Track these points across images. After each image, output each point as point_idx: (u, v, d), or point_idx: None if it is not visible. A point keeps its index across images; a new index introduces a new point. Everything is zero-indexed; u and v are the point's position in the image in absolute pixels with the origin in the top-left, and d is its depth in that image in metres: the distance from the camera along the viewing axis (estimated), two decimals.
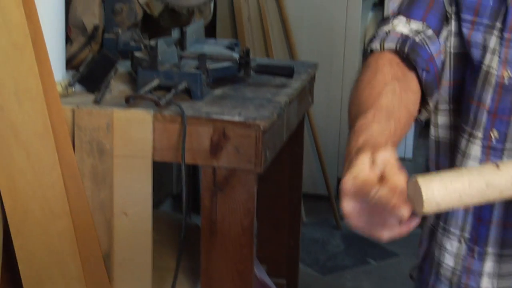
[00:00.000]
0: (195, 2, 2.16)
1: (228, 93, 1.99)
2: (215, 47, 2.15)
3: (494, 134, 1.04)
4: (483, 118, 1.04)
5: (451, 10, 1.07)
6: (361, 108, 0.97)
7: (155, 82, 1.90)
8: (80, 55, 2.16)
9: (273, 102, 1.92)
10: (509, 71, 1.02)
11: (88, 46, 2.17)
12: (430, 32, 1.07)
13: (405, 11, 1.10)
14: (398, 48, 1.06)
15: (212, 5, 2.43)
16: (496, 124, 1.04)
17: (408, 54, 1.05)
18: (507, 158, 1.02)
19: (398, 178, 0.81)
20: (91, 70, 1.95)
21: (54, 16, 1.95)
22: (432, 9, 1.07)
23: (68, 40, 2.17)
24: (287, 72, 2.07)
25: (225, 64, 2.03)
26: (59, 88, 1.89)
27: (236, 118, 1.79)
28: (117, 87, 2.01)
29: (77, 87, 1.95)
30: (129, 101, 1.82)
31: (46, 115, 1.72)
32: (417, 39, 1.06)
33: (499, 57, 1.02)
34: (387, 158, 0.82)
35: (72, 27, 2.17)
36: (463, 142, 1.06)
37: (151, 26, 2.44)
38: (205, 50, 2.09)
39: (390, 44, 1.06)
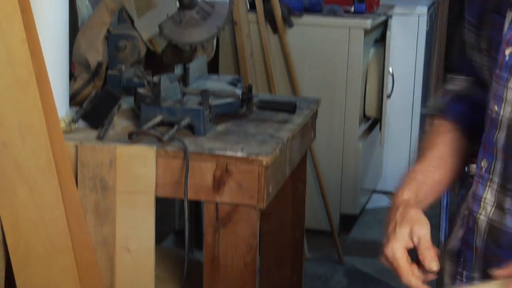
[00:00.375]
0: (198, 39, 2.19)
1: (230, 128, 2.01)
2: (217, 83, 2.17)
3: (483, 163, 1.10)
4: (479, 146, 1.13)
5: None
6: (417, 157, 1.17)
7: (158, 118, 1.92)
8: (84, 91, 2.18)
9: (276, 138, 1.94)
10: (496, 106, 1.08)
11: (91, 83, 2.19)
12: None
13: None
14: (437, 109, 1.25)
15: (214, 41, 2.46)
16: (486, 154, 1.10)
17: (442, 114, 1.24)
18: (490, 189, 1.09)
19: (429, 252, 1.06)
20: (94, 106, 1.97)
21: (58, 53, 1.97)
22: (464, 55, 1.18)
23: (72, 76, 2.19)
24: (290, 108, 2.09)
25: (228, 100, 2.05)
26: (63, 124, 1.91)
27: (239, 154, 1.80)
28: (120, 123, 2.02)
29: (81, 123, 1.97)
30: (132, 137, 1.83)
31: (50, 151, 1.73)
32: (461, 94, 1.23)
33: (491, 91, 1.09)
34: (423, 234, 1.06)
35: (76, 63, 2.20)
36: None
37: (154, 62, 2.47)
38: (208, 86, 2.11)
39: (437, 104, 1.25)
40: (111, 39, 2.17)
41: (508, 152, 1.06)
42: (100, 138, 1.89)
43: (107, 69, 2.19)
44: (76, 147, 1.83)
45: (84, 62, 2.17)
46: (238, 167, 1.79)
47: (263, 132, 1.98)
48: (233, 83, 2.19)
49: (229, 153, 1.81)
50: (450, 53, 1.21)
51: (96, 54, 2.16)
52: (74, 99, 2.16)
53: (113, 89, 1.99)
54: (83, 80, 2.19)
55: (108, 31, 2.19)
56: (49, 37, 1.91)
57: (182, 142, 1.83)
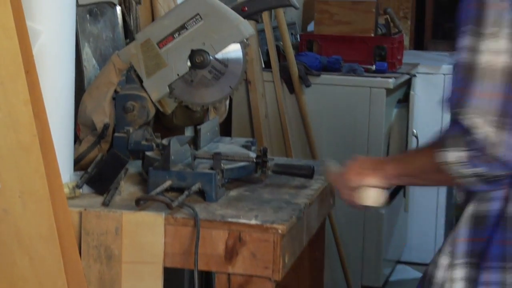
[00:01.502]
0: (210, 100, 2.22)
1: (244, 194, 2.02)
2: (230, 146, 2.19)
3: None
4: None
5: None
6: None
7: (167, 183, 1.94)
8: (89, 155, 2.21)
9: (292, 204, 1.94)
10: None
11: (97, 146, 2.21)
12: None
13: None
14: None
15: (227, 102, 2.49)
16: None
17: None
18: None
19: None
20: (100, 171, 1.99)
21: (63, 114, 2.01)
22: None
23: (76, 139, 2.22)
24: (307, 173, 2.10)
25: (241, 164, 2.06)
26: (66, 190, 1.93)
27: (253, 222, 1.81)
28: (127, 188, 2.04)
29: (85, 189, 1.99)
30: (139, 204, 1.84)
31: (52, 218, 1.74)
32: None
33: None
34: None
35: (81, 125, 2.23)
36: None
37: (164, 124, 2.50)
38: (220, 149, 2.13)
39: None
40: (118, 100, 2.20)
41: None
42: (105, 204, 1.90)
43: (114, 131, 2.22)
44: (80, 214, 1.84)
45: (90, 124, 2.20)
46: (252, 235, 1.79)
47: (278, 198, 1.98)
48: (247, 146, 2.21)
49: (242, 220, 1.81)
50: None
51: (102, 115, 2.19)
52: (78, 163, 2.18)
53: (120, 153, 2.01)
54: (88, 143, 2.21)
55: (115, 91, 2.22)
56: (54, 98, 1.95)
57: (192, 209, 1.84)
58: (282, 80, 3.56)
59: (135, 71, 2.21)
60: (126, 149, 2.15)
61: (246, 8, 2.19)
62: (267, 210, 1.89)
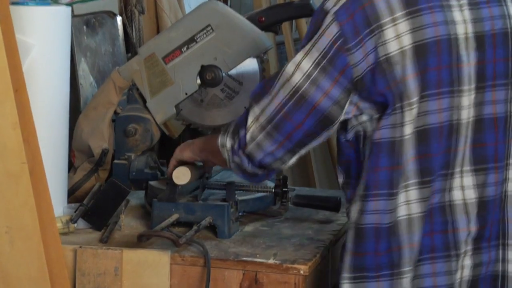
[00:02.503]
0: (222, 122, 2.22)
1: (261, 230, 2.02)
2: None
3: None
4: None
5: None
6: None
7: (173, 217, 1.94)
8: (85, 184, 2.22)
9: (316, 241, 1.94)
10: None
11: (94, 174, 2.22)
12: None
13: None
14: None
15: None
16: None
17: None
18: None
19: None
20: (97, 203, 2.00)
21: (56, 138, 2.02)
22: None
23: (71, 167, 2.23)
24: (333, 205, 2.10)
25: (258, 195, 2.06)
26: (59, 225, 1.94)
27: (271, 261, 1.81)
28: (128, 223, 2.05)
29: (81, 223, 2.00)
30: (142, 240, 1.85)
31: (43, 257, 1.75)
32: None
33: None
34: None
35: (76, 151, 2.24)
36: None
37: (170, 150, 2.50)
38: (234, 178, 2.14)
39: None
40: (118, 122, 2.22)
41: None
42: (103, 241, 1.91)
43: (113, 158, 2.23)
44: (75, 252, 1.85)
45: (86, 149, 2.21)
46: (270, 277, 1.79)
47: (300, 234, 1.98)
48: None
49: (259, 259, 1.81)
50: None
51: (100, 140, 2.20)
52: (73, 194, 2.19)
53: (120, 182, 2.02)
54: (84, 171, 2.23)
55: (115, 112, 2.23)
56: (46, 120, 1.97)
57: (202, 246, 1.84)
58: None
59: (137, 89, 2.22)
60: (127, 178, 2.16)
61: (264, 18, 2.19)
62: (287, 247, 1.88)
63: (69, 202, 2.10)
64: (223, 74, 2.16)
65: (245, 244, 1.90)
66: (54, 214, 1.84)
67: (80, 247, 1.86)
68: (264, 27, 2.19)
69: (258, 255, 1.83)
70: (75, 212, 2.00)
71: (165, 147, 2.44)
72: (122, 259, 1.83)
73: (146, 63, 2.19)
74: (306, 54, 1.61)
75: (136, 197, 2.20)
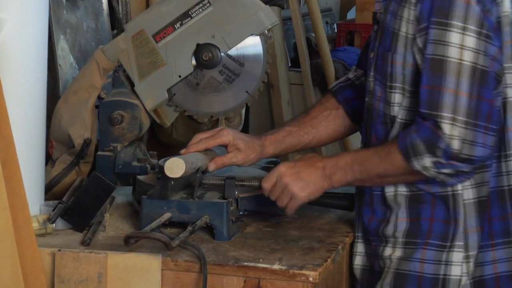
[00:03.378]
0: (220, 109, 2.23)
1: (264, 231, 2.02)
2: (247, 168, 2.19)
3: None
4: None
5: None
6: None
7: (165, 216, 1.94)
8: (65, 179, 2.22)
9: (327, 244, 1.94)
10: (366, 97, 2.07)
11: (75, 168, 2.23)
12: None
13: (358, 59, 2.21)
14: (332, 89, 2.21)
15: (243, 111, 2.50)
16: None
17: (333, 93, 2.19)
18: None
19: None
20: (78, 200, 2.00)
21: (32, 128, 2.02)
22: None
23: (49, 159, 2.24)
24: (347, 203, 2.10)
25: (261, 191, 2.07)
26: (36, 225, 1.94)
27: (276, 266, 1.80)
28: (114, 223, 2.05)
29: (59, 223, 2.00)
30: (129, 242, 1.85)
31: (17, 260, 1.75)
32: (356, 82, 2.17)
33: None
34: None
35: (54, 142, 2.24)
36: None
37: (161, 140, 2.50)
38: (234, 172, 2.14)
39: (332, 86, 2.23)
40: (103, 109, 2.22)
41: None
42: (85, 243, 1.91)
43: (96, 149, 2.23)
44: (53, 256, 1.85)
45: (66, 139, 2.22)
46: (274, 284, 1.79)
47: (309, 236, 1.98)
48: (269, 168, 2.21)
49: (262, 264, 1.81)
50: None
51: (82, 128, 2.20)
52: (51, 190, 2.20)
53: (104, 177, 2.02)
54: (64, 164, 2.23)
55: (99, 97, 2.24)
56: (21, 106, 1.96)
57: (198, 250, 1.84)
58: (315, 83, 3.57)
59: (124, 71, 2.23)
60: (113, 172, 2.16)
61: None
62: (295, 251, 1.88)
63: (46, 199, 2.10)
64: (222, 54, 2.16)
65: (247, 248, 1.90)
66: (30, 213, 1.84)
67: (59, 250, 1.87)
68: (269, 1, 2.19)
69: (261, 260, 1.83)
70: (53, 210, 2.00)
71: (155, 136, 2.44)
72: (106, 264, 1.83)
73: (134, 41, 2.19)
74: (463, 30, 1.80)
75: (122, 194, 2.21)
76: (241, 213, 2.03)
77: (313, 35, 3.62)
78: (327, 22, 4.03)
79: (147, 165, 2.16)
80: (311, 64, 3.58)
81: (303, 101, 3.56)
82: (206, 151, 2.07)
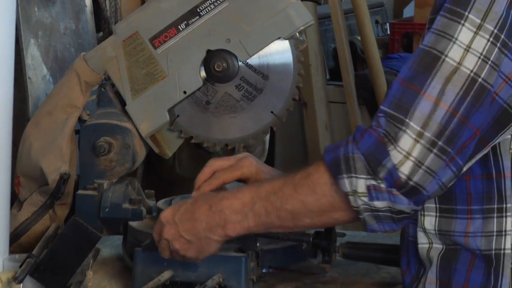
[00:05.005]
0: (237, 135, 2.24)
1: None
2: None
3: None
4: None
5: None
6: None
7: (165, 275, 1.95)
8: (35, 226, 2.22)
9: None
10: None
11: (48, 211, 2.23)
12: None
13: None
14: None
15: (267, 138, 2.50)
16: None
17: None
18: None
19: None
20: (53, 254, 2.01)
21: None
22: None
23: (14, 200, 2.25)
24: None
25: (290, 243, 2.07)
26: None
27: None
28: (99, 283, 2.05)
29: (29, 283, 2.00)
30: None
31: None
32: None
33: None
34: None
35: (22, 177, 2.25)
36: None
37: (161, 175, 2.51)
38: None
39: None
40: (85, 135, 2.23)
41: None
42: None
43: (76, 187, 2.25)
44: None
45: (37, 174, 2.23)
46: None
47: None
48: None
49: None
50: None
51: (57, 160, 2.21)
52: (17, 240, 2.20)
53: (86, 223, 2.03)
54: (34, 206, 2.23)
55: (80, 120, 2.25)
56: None
57: None
58: (360, 101, 3.57)
59: (113, 86, 2.24)
60: (97, 216, 2.17)
61: None
62: None
63: (11, 251, 2.11)
64: (240, 63, 2.17)
65: None
66: None
67: None
68: None
69: None
70: (20, 266, 2.01)
71: (153, 171, 2.45)
72: None
73: (126, 47, 2.21)
74: (477, 28, 1.72)
75: (110, 245, 2.22)
76: (264, 270, 2.03)
77: (359, 38, 3.63)
78: (377, 22, 4.04)
79: (142, 208, 2.17)
80: (356, 76, 3.59)
81: (345, 124, 3.57)
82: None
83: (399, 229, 1.83)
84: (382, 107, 1.74)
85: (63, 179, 2.22)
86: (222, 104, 2.23)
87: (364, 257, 2.12)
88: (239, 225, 1.85)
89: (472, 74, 1.71)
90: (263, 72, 2.20)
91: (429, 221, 1.86)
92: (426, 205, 1.84)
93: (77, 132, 2.26)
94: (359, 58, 3.68)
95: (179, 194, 2.04)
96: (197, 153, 2.40)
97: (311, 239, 2.07)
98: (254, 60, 2.19)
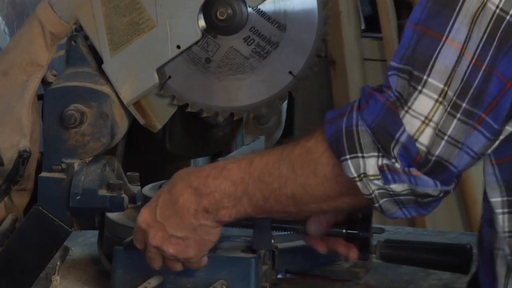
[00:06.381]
0: (245, 101, 2.24)
1: None
2: None
3: None
4: None
5: None
6: None
7: (153, 282, 1.96)
8: None
9: None
10: None
11: (3, 198, 2.24)
12: None
13: None
14: None
15: (284, 106, 2.51)
16: None
17: None
18: None
19: None
20: (10, 253, 2.02)
21: None
22: None
23: None
24: (458, 260, 2.10)
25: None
26: None
27: None
28: None
29: None
30: None
31: None
32: None
33: None
34: None
35: None
36: None
37: (147, 153, 2.52)
38: None
39: None
40: (51, 101, 2.25)
41: None
42: None
43: (39, 168, 2.26)
44: None
45: None
46: None
47: None
48: None
49: None
50: None
51: (15, 134, 2.22)
52: None
53: (52, 214, 2.04)
54: None
55: (44, 81, 2.27)
56: None
57: None
58: None
59: (86, 38, 2.25)
60: (66, 206, 2.19)
61: None
62: None
63: None
64: (249, 9, 2.18)
65: None
66: None
67: None
68: None
69: None
70: None
71: (137, 148, 2.46)
72: None
73: None
74: None
75: (82, 243, 2.23)
76: (279, 275, 2.04)
77: None
78: None
79: (123, 195, 2.18)
80: (399, 26, 3.59)
81: None
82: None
83: (429, 213, 1.78)
84: (392, 62, 1.71)
85: (22, 158, 2.22)
86: (226, 63, 2.24)
87: (409, 259, 2.12)
88: (234, 210, 1.88)
89: (498, 10, 1.68)
90: (279, 21, 2.21)
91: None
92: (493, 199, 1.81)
93: (40, 97, 2.27)
94: (403, 2, 3.68)
95: (170, 177, 2.03)
96: (194, 125, 2.40)
97: (343, 230, 2.07)
98: (267, 6, 2.20)
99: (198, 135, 2.40)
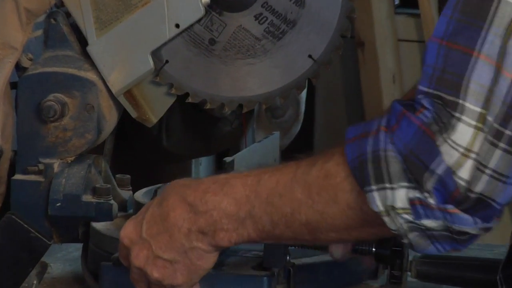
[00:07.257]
0: (257, 91, 2.24)
1: None
2: None
3: None
4: None
5: None
6: None
7: None
8: None
9: None
10: None
11: None
12: None
13: None
14: None
15: (303, 97, 2.51)
16: None
17: None
18: None
19: None
20: None
21: None
22: None
23: None
24: (492, 277, 2.10)
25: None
26: None
27: None
28: None
29: None
30: None
31: None
32: None
33: None
34: None
35: None
36: None
37: (139, 151, 2.52)
38: None
39: None
40: (26, 89, 2.26)
41: None
42: None
43: (12, 168, 2.27)
44: None
45: None
46: None
47: None
48: None
49: None
50: None
51: None
52: None
53: (27, 224, 2.04)
54: None
55: (18, 66, 2.28)
56: None
57: None
58: None
59: (68, 16, 2.25)
60: (44, 214, 2.19)
61: None
62: None
63: None
64: None
65: None
66: None
67: None
68: None
69: None
70: None
71: (128, 145, 2.47)
72: None
73: None
74: None
75: (62, 258, 2.23)
76: None
77: None
78: None
79: (112, 201, 2.19)
80: (439, 2, 3.60)
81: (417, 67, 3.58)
82: None
83: (466, 247, 1.79)
84: (420, 86, 1.70)
85: None
86: (234, 45, 2.24)
87: (450, 277, 2.13)
88: (235, 233, 1.87)
89: None
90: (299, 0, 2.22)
91: None
92: None
93: (13, 86, 2.27)
94: None
95: (167, 181, 2.03)
96: (196, 119, 2.40)
97: (373, 248, 2.09)
98: None
99: (200, 131, 2.41)
